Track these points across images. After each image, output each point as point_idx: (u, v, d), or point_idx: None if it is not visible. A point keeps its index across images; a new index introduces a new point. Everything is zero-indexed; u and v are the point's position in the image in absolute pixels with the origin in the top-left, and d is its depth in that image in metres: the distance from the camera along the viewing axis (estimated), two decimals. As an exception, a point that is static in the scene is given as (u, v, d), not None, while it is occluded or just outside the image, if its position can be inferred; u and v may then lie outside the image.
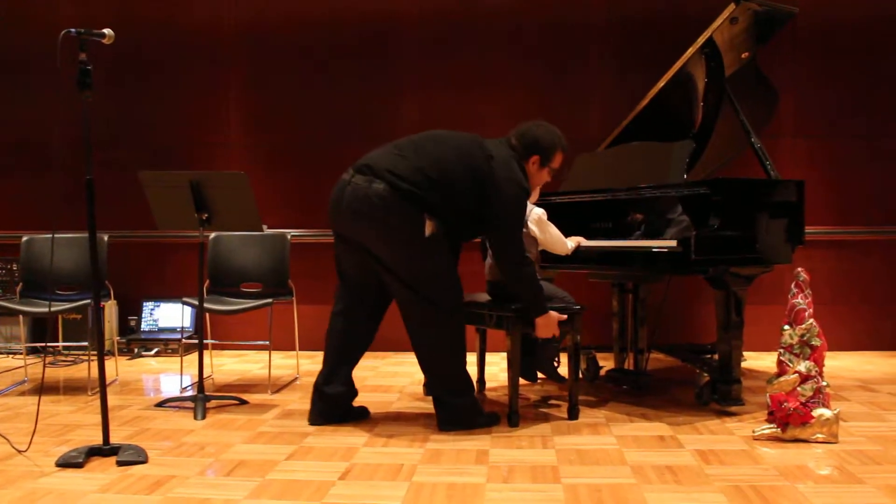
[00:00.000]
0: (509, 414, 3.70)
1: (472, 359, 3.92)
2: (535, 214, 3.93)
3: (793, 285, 3.42)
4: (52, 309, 4.50)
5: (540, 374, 4.48)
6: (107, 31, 3.18)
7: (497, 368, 5.27)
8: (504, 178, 3.55)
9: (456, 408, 3.62)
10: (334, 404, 3.77)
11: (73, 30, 3.07)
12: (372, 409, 4.01)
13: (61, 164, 6.06)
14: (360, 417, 3.87)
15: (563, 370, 4.33)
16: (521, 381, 4.30)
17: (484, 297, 4.03)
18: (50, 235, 4.91)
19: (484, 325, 3.94)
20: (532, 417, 3.83)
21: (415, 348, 3.67)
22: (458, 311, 3.67)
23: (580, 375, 4.34)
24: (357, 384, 3.87)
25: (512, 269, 3.61)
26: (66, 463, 3.03)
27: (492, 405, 4.12)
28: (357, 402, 3.91)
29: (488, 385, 4.58)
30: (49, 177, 6.17)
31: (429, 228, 3.49)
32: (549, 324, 3.66)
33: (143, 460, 3.09)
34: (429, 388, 3.74)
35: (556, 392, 4.46)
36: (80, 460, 3.04)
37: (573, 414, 3.83)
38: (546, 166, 3.79)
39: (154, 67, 6.24)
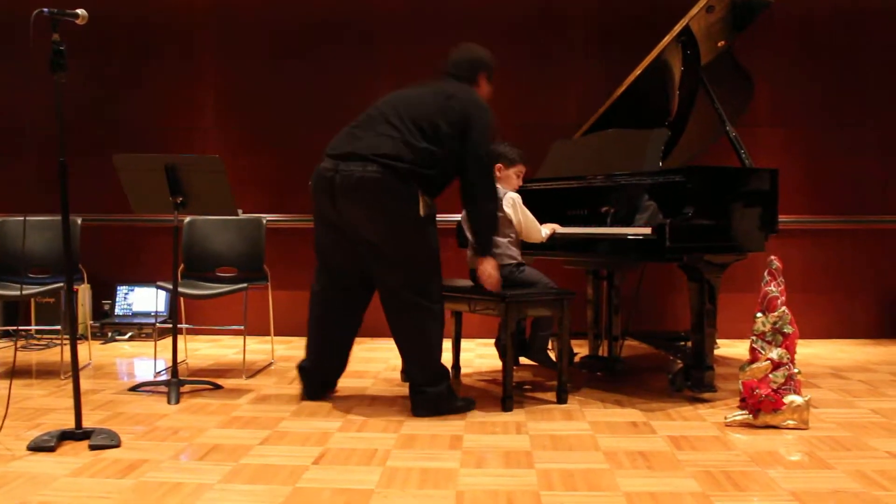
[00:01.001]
0: (503, 398, 3.71)
1: (447, 344, 3.93)
2: (510, 198, 3.92)
3: (766, 273, 3.46)
4: (25, 292, 4.44)
5: (529, 361, 4.49)
6: (80, 11, 3.13)
7: (472, 354, 5.29)
8: (474, 109, 3.60)
9: (431, 395, 3.61)
10: (326, 379, 3.92)
11: (45, 10, 3.02)
12: (346, 395, 4.01)
13: (34, 146, 5.98)
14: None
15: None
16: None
17: (464, 282, 4.03)
18: (22, 218, 4.85)
19: (469, 311, 3.95)
20: (507, 403, 3.85)
21: (395, 334, 3.67)
22: (440, 300, 3.67)
23: (554, 361, 4.36)
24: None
25: (482, 202, 3.63)
26: (37, 447, 3.00)
27: (467, 390, 4.14)
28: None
29: (463, 371, 4.59)
30: (21, 159, 6.09)
31: (423, 208, 3.49)
32: (489, 270, 3.68)
33: (115, 444, 3.07)
34: (407, 374, 3.74)
35: (531, 378, 4.49)
36: (52, 444, 3.01)
37: (562, 398, 3.85)
38: (490, 79, 3.90)
39: (129, 50, 6.15)
